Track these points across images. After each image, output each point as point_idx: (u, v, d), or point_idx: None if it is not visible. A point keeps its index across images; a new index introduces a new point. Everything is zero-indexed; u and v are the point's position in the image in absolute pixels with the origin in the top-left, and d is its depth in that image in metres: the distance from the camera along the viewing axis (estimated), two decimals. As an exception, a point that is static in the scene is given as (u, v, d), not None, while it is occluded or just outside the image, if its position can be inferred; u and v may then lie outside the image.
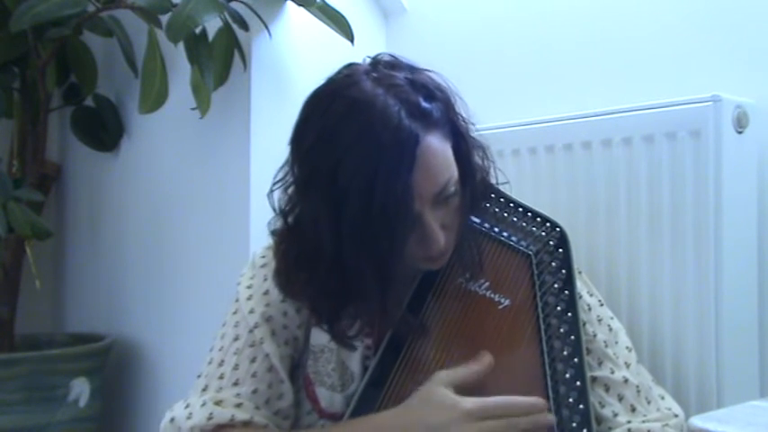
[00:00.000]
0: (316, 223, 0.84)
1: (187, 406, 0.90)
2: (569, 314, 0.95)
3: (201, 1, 1.34)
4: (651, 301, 1.10)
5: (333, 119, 0.83)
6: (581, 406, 0.89)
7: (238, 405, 0.89)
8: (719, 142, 1.03)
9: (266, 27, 1.45)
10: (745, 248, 1.08)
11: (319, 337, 0.95)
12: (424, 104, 0.85)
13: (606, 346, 0.96)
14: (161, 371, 1.75)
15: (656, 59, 1.25)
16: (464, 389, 0.85)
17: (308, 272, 0.89)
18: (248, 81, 1.48)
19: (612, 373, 0.95)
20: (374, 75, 0.86)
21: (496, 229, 1.01)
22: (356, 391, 0.93)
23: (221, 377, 0.92)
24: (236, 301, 0.98)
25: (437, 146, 0.85)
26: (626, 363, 0.96)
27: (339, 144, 0.81)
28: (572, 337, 0.93)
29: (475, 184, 0.93)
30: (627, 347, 0.98)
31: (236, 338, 0.94)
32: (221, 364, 0.93)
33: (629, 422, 0.91)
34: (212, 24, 1.44)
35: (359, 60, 0.91)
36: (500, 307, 0.96)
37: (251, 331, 0.94)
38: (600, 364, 0.95)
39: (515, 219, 1.02)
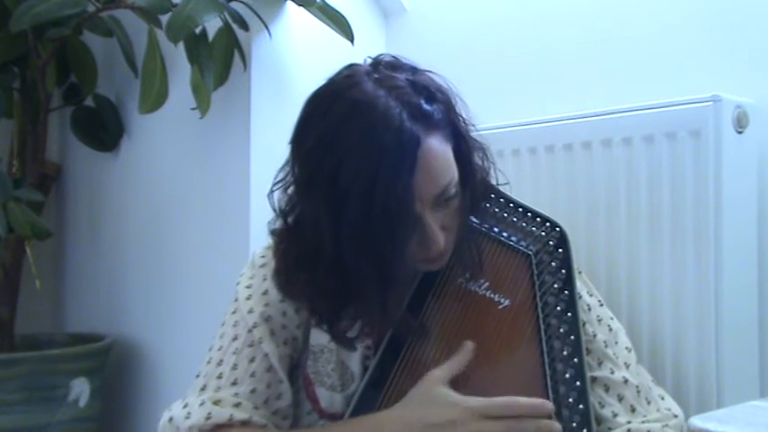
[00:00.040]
0: (316, 224, 0.84)
1: (185, 405, 0.90)
2: (569, 314, 0.95)
3: (201, 1, 1.34)
4: (651, 301, 1.10)
5: (334, 120, 0.83)
6: (581, 406, 0.89)
7: (237, 405, 0.89)
8: (719, 142, 1.03)
9: (266, 27, 1.45)
10: (745, 248, 1.08)
11: (319, 338, 0.95)
12: (426, 106, 0.85)
13: (606, 346, 0.96)
14: (161, 371, 1.75)
15: (656, 59, 1.25)
16: (464, 388, 0.85)
17: (307, 272, 0.89)
18: (248, 81, 1.48)
19: (612, 373, 0.95)
20: (375, 76, 0.86)
21: (496, 229, 1.01)
22: (356, 391, 0.92)
23: (220, 377, 0.91)
24: (236, 300, 0.98)
25: (438, 148, 0.85)
26: (626, 363, 0.96)
27: (340, 146, 0.81)
28: (572, 337, 0.93)
29: (475, 186, 0.93)
30: (627, 348, 0.98)
31: (235, 338, 0.94)
32: (220, 363, 0.93)
33: (628, 422, 0.91)
34: (212, 24, 1.44)
35: (359, 60, 0.91)
36: (500, 307, 0.96)
37: (250, 331, 0.93)
38: (600, 364, 0.95)
39: (515, 219, 1.02)
